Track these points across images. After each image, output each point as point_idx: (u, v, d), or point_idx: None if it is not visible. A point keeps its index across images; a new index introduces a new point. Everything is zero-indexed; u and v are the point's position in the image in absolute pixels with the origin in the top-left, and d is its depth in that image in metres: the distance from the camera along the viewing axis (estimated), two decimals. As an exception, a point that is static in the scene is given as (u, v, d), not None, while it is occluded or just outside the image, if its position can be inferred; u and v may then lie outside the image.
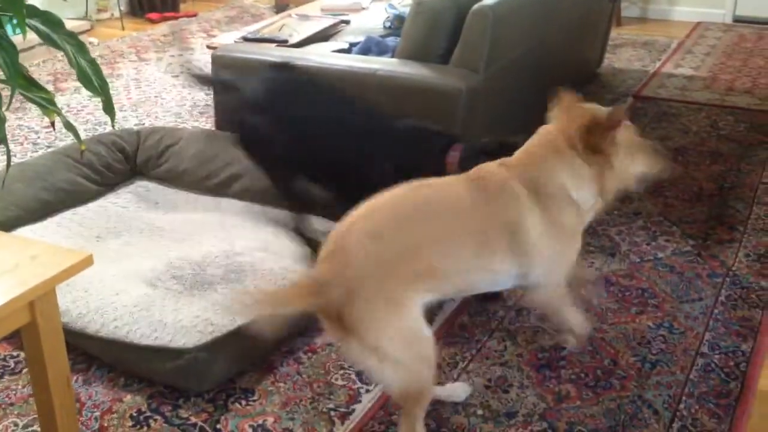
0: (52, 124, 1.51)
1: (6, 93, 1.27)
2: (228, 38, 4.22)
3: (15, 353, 2.39)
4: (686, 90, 4.80)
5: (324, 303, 1.82)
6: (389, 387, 1.91)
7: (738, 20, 6.40)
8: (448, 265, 1.94)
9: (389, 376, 1.86)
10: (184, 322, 2.24)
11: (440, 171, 2.37)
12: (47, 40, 1.26)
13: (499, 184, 2.03)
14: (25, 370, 2.32)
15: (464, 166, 2.29)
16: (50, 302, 1.41)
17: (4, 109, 1.17)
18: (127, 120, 4.27)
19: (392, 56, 3.34)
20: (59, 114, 1.35)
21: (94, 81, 1.32)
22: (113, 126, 1.77)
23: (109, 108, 1.43)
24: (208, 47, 4.26)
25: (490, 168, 2.08)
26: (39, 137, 4.01)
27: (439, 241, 1.93)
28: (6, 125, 1.19)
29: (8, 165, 1.34)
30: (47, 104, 1.33)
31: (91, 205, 2.97)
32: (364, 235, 1.86)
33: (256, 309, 1.84)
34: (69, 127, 1.42)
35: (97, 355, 2.33)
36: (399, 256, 1.86)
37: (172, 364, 2.18)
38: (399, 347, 1.83)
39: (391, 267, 1.84)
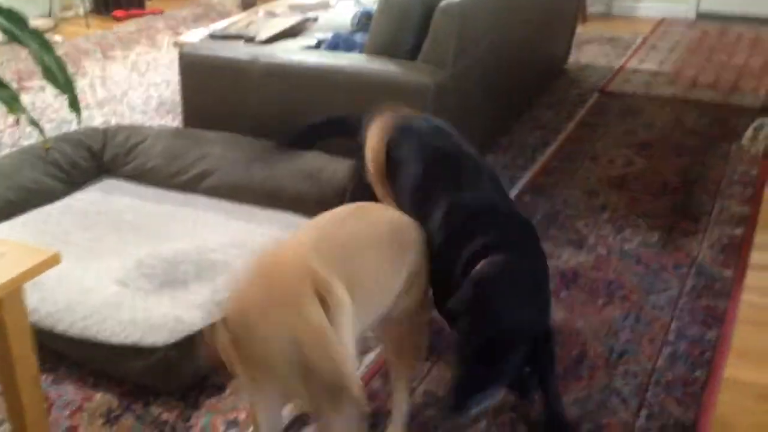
0: (17, 121, 1.50)
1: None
2: (195, 36, 4.20)
3: (-18, 354, 2.36)
4: (651, 85, 4.86)
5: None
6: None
7: (701, 16, 6.49)
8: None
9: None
10: (154, 321, 2.22)
11: None
12: (11, 37, 1.25)
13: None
14: (-8, 371, 2.29)
15: None
16: (17, 301, 1.40)
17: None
18: (93, 118, 4.23)
19: (360, 52, 3.35)
20: (24, 111, 1.34)
21: (59, 78, 1.31)
22: (79, 123, 1.75)
23: (74, 105, 1.42)
24: (175, 45, 4.24)
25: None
26: (3, 137, 3.95)
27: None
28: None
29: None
30: (11, 101, 1.32)
31: (58, 204, 2.94)
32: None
33: None
34: (34, 123, 1.41)
35: (66, 353, 2.31)
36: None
37: (143, 362, 2.17)
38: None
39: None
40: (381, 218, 1.94)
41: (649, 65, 5.26)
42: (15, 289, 1.36)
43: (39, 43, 1.26)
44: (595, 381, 2.28)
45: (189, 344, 2.21)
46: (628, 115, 4.35)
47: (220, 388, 2.24)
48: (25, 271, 1.35)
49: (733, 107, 4.47)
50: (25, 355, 1.44)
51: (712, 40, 5.88)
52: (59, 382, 2.26)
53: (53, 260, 1.41)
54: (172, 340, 2.18)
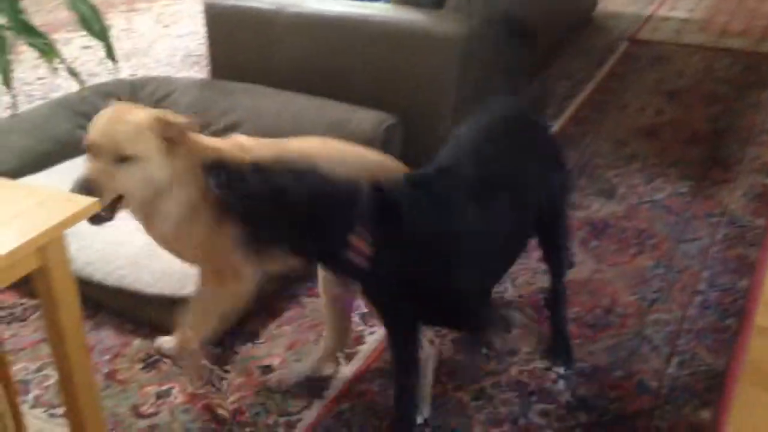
0: (54, 69, 1.51)
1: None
2: (220, -14, 4.16)
3: (22, 301, 2.41)
4: (681, 33, 4.78)
5: None
6: None
7: (732, -38, 6.34)
8: None
9: None
10: (189, 272, 2.25)
11: None
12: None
13: None
14: (32, 317, 2.34)
15: None
16: (60, 247, 1.41)
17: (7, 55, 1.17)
18: (120, 71, 4.23)
19: (387, 2, 3.31)
20: (60, 58, 1.35)
21: (95, 26, 1.31)
22: (117, 71, 1.76)
23: (110, 53, 1.42)
24: (200, -5, 4.21)
25: None
26: (33, 89, 3.98)
27: None
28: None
29: (15, 109, 1.34)
30: (48, 49, 1.32)
31: (90, 156, 2.96)
32: None
33: None
34: (71, 71, 1.42)
35: (104, 303, 2.35)
36: None
37: (176, 311, 2.20)
38: None
39: None
40: None
41: (679, 12, 5.17)
42: (57, 236, 1.38)
43: (75, -11, 1.26)
44: (626, 329, 2.29)
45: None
46: (658, 64, 4.29)
47: (255, 334, 2.28)
48: (66, 218, 1.37)
49: (764, 55, 4.39)
50: (68, 300, 1.46)
51: (743, -14, 5.76)
52: (98, 329, 2.31)
53: (93, 207, 1.42)
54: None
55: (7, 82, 1.17)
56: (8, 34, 1.08)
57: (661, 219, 2.84)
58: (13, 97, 1.27)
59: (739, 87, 3.97)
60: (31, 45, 1.33)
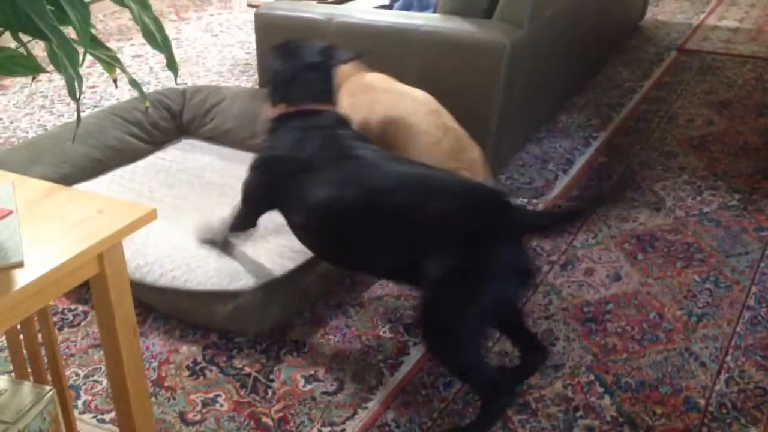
0: (115, 81, 1.55)
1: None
2: (268, -4, 4.22)
3: (72, 307, 2.47)
4: (731, 42, 4.72)
5: None
6: None
7: (785, -30, 6.24)
8: None
9: None
10: (240, 268, 2.32)
11: None
12: (114, -1, 1.28)
13: None
14: (83, 323, 2.40)
15: None
16: (118, 254, 1.45)
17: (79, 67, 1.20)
18: (170, 79, 4.31)
19: (434, 11, 3.33)
20: (124, 71, 1.39)
21: (158, 37, 1.34)
22: (175, 82, 1.80)
23: (171, 64, 1.45)
24: (249, 5, 4.27)
25: None
26: (85, 97, 4.07)
27: None
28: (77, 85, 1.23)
29: (78, 121, 1.37)
30: (112, 61, 1.36)
31: (141, 162, 3.03)
32: None
33: None
34: (134, 83, 1.45)
35: (154, 304, 2.40)
36: None
37: (230, 306, 2.25)
38: None
39: None
40: None
41: (729, 22, 5.10)
42: (116, 243, 1.42)
43: (138, 2, 1.29)
44: (673, 344, 2.27)
45: (273, 288, 2.29)
46: (707, 74, 4.24)
47: (300, 344, 2.31)
48: (126, 226, 1.40)
49: (818, 65, 4.32)
50: (124, 306, 1.50)
51: (796, -5, 5.66)
52: (146, 335, 2.35)
53: (151, 216, 1.46)
54: (258, 284, 2.26)
55: (75, 95, 1.20)
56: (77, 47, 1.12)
57: (710, 232, 2.81)
58: (78, 110, 1.30)
59: (791, 98, 3.91)
60: (96, 57, 1.36)
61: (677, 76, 4.22)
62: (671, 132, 3.58)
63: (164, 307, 2.40)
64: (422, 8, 3.58)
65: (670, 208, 2.97)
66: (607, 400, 2.08)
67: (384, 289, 2.54)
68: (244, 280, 2.28)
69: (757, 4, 5.47)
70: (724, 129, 3.60)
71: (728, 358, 2.22)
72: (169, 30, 5.17)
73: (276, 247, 2.45)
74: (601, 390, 2.12)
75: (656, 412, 2.04)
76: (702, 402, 2.07)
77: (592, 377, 2.16)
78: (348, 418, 2.04)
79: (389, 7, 3.77)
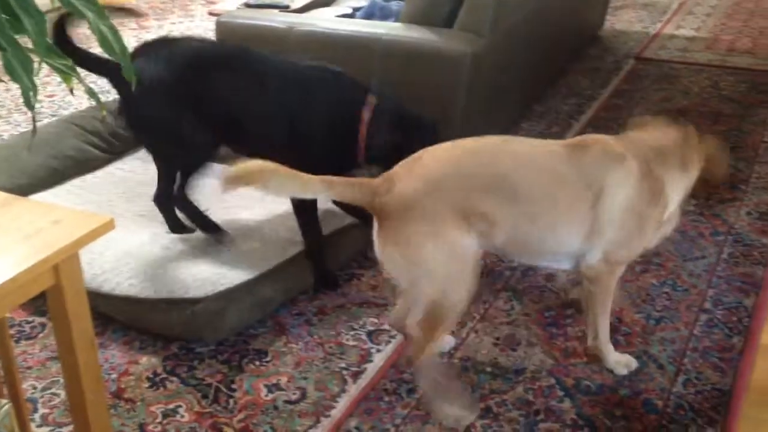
0: (71, 90, 1.53)
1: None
2: (230, 4, 4.21)
3: (30, 319, 2.43)
4: (687, 51, 4.81)
5: (379, 200, 1.90)
6: (420, 298, 1.97)
7: (739, -20, 6.37)
8: (508, 217, 1.95)
9: (422, 288, 1.95)
10: (197, 276, 2.31)
11: (353, 126, 2.44)
12: (68, 6, 1.27)
13: (605, 151, 2.01)
14: (41, 335, 2.36)
15: (374, 129, 2.45)
16: (74, 265, 1.44)
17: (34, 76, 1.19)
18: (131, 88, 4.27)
19: (396, 20, 3.35)
20: (80, 80, 1.38)
21: (115, 46, 1.34)
22: (133, 90, 1.79)
23: (129, 73, 1.45)
24: (211, 14, 4.26)
25: (598, 137, 2.09)
26: (42, 106, 4.02)
27: (509, 190, 1.95)
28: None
29: (34, 131, 1.36)
30: (68, 71, 1.35)
31: (99, 173, 3.00)
32: (446, 160, 1.96)
33: (314, 188, 1.91)
34: (91, 93, 1.44)
35: (111, 314, 2.38)
36: (467, 190, 1.91)
37: (187, 313, 2.25)
38: (439, 259, 1.91)
39: (458, 197, 1.90)
40: None
41: (686, 31, 5.19)
42: (72, 254, 1.41)
43: (95, 11, 1.29)
44: (632, 348, 2.30)
45: (230, 296, 2.29)
46: (665, 82, 4.31)
47: (262, 353, 2.30)
48: (82, 237, 1.39)
49: (771, 73, 4.41)
50: (81, 317, 1.48)
51: (749, 4, 5.78)
52: (105, 346, 2.32)
53: (108, 226, 1.45)
54: (215, 292, 2.26)
55: (30, 104, 1.19)
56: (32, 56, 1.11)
57: (667, 237, 2.85)
58: (33, 119, 1.29)
59: (745, 105, 3.99)
60: (52, 67, 1.35)
61: (635, 85, 4.29)
62: (629, 139, 3.63)
63: (121, 317, 2.38)
64: (384, 17, 3.60)
65: (629, 213, 3.01)
66: (567, 404, 2.10)
67: (347, 297, 2.55)
68: (202, 288, 2.27)
69: (713, 13, 5.58)
70: (681, 136, 3.65)
71: (685, 360, 2.25)
72: (129, 39, 5.12)
73: (235, 256, 2.45)
74: (561, 393, 2.14)
75: (615, 414, 2.07)
76: (660, 404, 2.10)
77: (552, 381, 2.18)
78: (311, 427, 2.04)
79: (351, 16, 3.79)
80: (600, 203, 1.97)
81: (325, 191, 1.93)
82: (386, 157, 2.18)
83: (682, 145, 2.10)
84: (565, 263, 2.13)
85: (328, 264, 2.59)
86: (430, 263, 1.91)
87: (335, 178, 1.92)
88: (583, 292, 2.18)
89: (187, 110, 2.42)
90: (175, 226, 2.60)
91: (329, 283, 2.58)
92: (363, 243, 2.74)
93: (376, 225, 1.96)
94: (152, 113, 2.43)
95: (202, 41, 2.91)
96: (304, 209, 2.51)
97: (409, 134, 2.44)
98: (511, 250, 2.10)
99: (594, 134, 2.13)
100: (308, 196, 1.96)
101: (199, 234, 2.59)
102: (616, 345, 2.30)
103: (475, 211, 1.92)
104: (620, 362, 2.20)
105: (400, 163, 1.98)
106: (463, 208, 1.91)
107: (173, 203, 2.58)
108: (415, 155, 1.98)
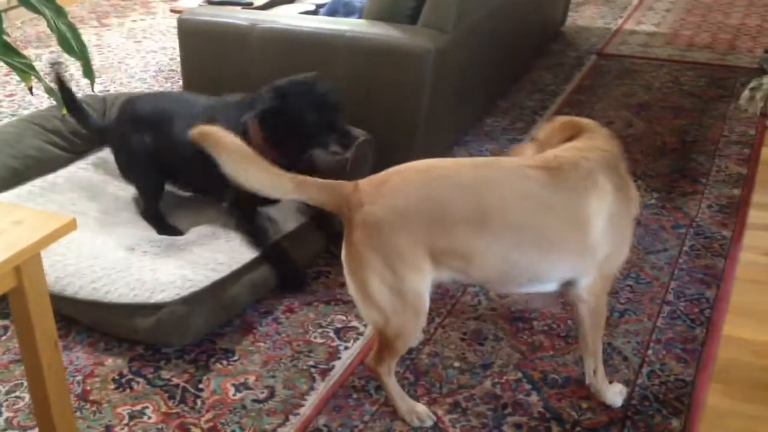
0: (30, 89, 1.51)
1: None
2: (192, 1, 4.18)
3: (-8, 321, 2.39)
4: (648, 46, 4.87)
5: (344, 206, 1.84)
6: (367, 321, 1.95)
7: (697, -24, 6.46)
8: (490, 249, 1.85)
9: (365, 312, 1.91)
10: (162, 280, 2.28)
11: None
12: (26, 4, 1.25)
13: (582, 173, 1.89)
14: (3, 337, 2.33)
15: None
16: (36, 266, 1.42)
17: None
18: (91, 87, 4.21)
19: (359, 17, 3.34)
20: (39, 78, 1.36)
21: (74, 45, 1.32)
22: (92, 89, 1.77)
23: (88, 72, 1.43)
24: (173, 11, 4.22)
25: (567, 156, 1.94)
26: (2, 106, 3.95)
27: (492, 221, 1.84)
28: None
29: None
30: (27, 69, 1.33)
31: (62, 172, 2.95)
32: (418, 186, 1.84)
33: (284, 187, 1.83)
34: (50, 91, 1.42)
35: (76, 317, 2.35)
36: (437, 223, 1.81)
37: (152, 318, 2.22)
38: (386, 297, 1.84)
39: (428, 234, 1.81)
40: None
41: (646, 26, 5.26)
42: (34, 254, 1.39)
43: (53, 9, 1.27)
44: (597, 340, 2.33)
45: (196, 300, 2.26)
46: (626, 77, 4.36)
47: (229, 352, 2.28)
48: (44, 237, 1.38)
49: (729, 67, 4.48)
50: (44, 318, 1.47)
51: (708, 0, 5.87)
52: (70, 349, 2.29)
53: (70, 226, 1.43)
54: (180, 296, 2.24)
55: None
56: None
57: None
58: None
59: (705, 100, 4.05)
60: (10, 65, 1.33)
61: (597, 80, 4.33)
62: (592, 134, 3.67)
63: (85, 320, 2.35)
64: (348, 14, 3.60)
65: (593, 207, 3.04)
66: (534, 397, 2.12)
67: (314, 294, 2.54)
68: (167, 292, 2.24)
69: (673, 8, 5.66)
70: (643, 130, 3.71)
71: (649, 351, 2.28)
72: (90, 36, 5.06)
73: (199, 258, 2.42)
74: (528, 387, 2.16)
75: (582, 406, 2.09)
76: (625, 395, 2.12)
77: (519, 375, 2.20)
78: (279, 425, 2.03)
79: (315, 12, 3.78)
80: (590, 226, 1.88)
81: (294, 192, 1.83)
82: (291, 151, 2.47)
83: (610, 138, 2.08)
84: (551, 286, 2.02)
85: (292, 262, 2.57)
86: (377, 297, 1.85)
87: (307, 178, 1.85)
88: (579, 320, 2.06)
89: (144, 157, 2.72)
90: (167, 231, 2.65)
91: (293, 282, 2.56)
92: (328, 240, 2.75)
93: (345, 230, 1.87)
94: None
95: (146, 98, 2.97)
96: (242, 215, 2.56)
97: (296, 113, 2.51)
98: (494, 281, 2.02)
99: (552, 150, 1.99)
100: (275, 194, 1.87)
101: (164, 237, 2.58)
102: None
103: (448, 250, 1.83)
104: (616, 392, 2.11)
105: (369, 179, 1.89)
106: (432, 247, 1.82)
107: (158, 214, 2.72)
108: (385, 173, 1.88)
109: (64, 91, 2.74)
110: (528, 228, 1.87)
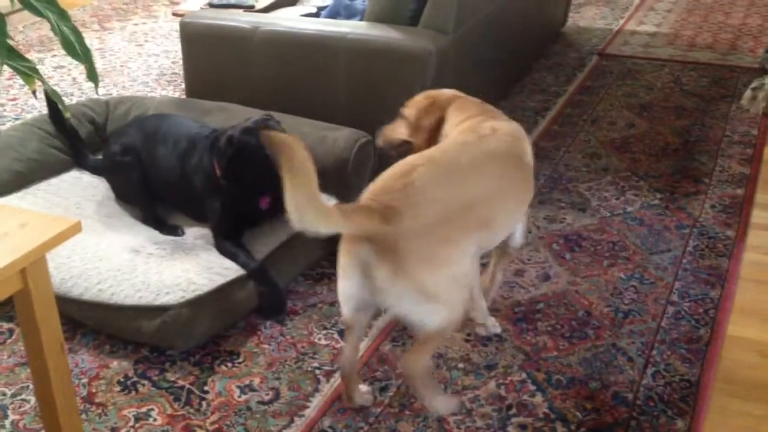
0: (34, 92, 1.51)
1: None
2: (194, 5, 4.18)
3: (-3, 325, 2.40)
4: (649, 46, 4.87)
5: (382, 231, 1.77)
6: (428, 325, 1.87)
7: (698, -23, 6.46)
8: (499, 219, 2.04)
9: (432, 315, 1.86)
10: (167, 282, 2.28)
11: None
12: (28, 7, 1.25)
13: (516, 136, 2.15)
14: (9, 341, 2.33)
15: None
16: (41, 269, 1.42)
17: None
18: (94, 91, 4.22)
19: (361, 19, 3.35)
20: (43, 81, 1.36)
21: (78, 48, 1.32)
22: (96, 92, 1.77)
23: (92, 75, 1.43)
24: (175, 14, 4.22)
25: (498, 125, 2.15)
26: (5, 110, 3.96)
27: (494, 194, 2.00)
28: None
29: (-6, 133, 1.34)
30: (31, 73, 1.33)
31: (65, 176, 2.95)
32: (432, 179, 1.88)
33: (338, 221, 1.74)
34: (54, 94, 1.42)
35: (81, 319, 2.35)
36: (462, 205, 1.90)
37: (157, 321, 2.22)
38: (449, 290, 1.86)
39: (456, 215, 1.87)
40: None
41: (648, 27, 5.26)
42: (39, 257, 1.39)
43: (56, 12, 1.27)
44: (601, 341, 2.33)
45: (200, 303, 2.26)
46: (628, 77, 4.36)
47: (234, 354, 2.29)
48: (49, 239, 1.38)
49: (731, 67, 4.49)
50: (49, 321, 1.47)
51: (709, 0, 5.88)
52: (75, 351, 2.30)
53: (75, 229, 1.43)
54: (185, 299, 2.23)
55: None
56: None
57: (633, 231, 2.89)
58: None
59: (707, 99, 4.05)
60: (14, 69, 1.33)
61: (599, 81, 4.34)
62: (594, 134, 3.68)
63: (90, 322, 2.35)
64: (349, 16, 3.60)
65: (595, 208, 3.05)
66: (539, 398, 2.12)
67: (318, 296, 2.54)
68: (171, 295, 2.24)
69: (674, 8, 5.66)
70: (645, 131, 3.71)
71: (654, 352, 2.28)
72: (92, 40, 5.07)
73: (205, 261, 2.42)
74: (533, 388, 2.16)
75: (586, 407, 2.09)
76: (630, 396, 2.12)
77: (524, 376, 2.20)
78: (284, 427, 2.03)
79: (316, 15, 3.78)
80: (526, 172, 2.15)
81: (343, 224, 1.76)
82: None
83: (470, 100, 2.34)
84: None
85: (275, 286, 2.46)
86: (449, 294, 1.86)
87: (347, 207, 1.81)
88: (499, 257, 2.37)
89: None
90: (168, 231, 2.66)
91: (273, 308, 2.46)
92: (332, 243, 2.75)
93: (375, 257, 1.79)
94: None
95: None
96: (226, 238, 2.53)
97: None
98: (498, 240, 2.18)
99: (491, 123, 2.17)
100: (324, 229, 1.70)
101: (168, 237, 2.59)
102: (586, 339, 2.33)
103: (480, 221, 1.94)
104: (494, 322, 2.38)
105: (384, 191, 1.84)
106: (467, 225, 1.89)
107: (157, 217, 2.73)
108: (403, 178, 1.86)
109: (67, 132, 3.01)
110: (514, 188, 2.11)
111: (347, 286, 1.90)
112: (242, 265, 2.44)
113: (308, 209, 1.63)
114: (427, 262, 1.81)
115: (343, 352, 2.07)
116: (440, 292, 1.84)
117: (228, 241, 2.51)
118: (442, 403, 2.05)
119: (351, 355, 2.04)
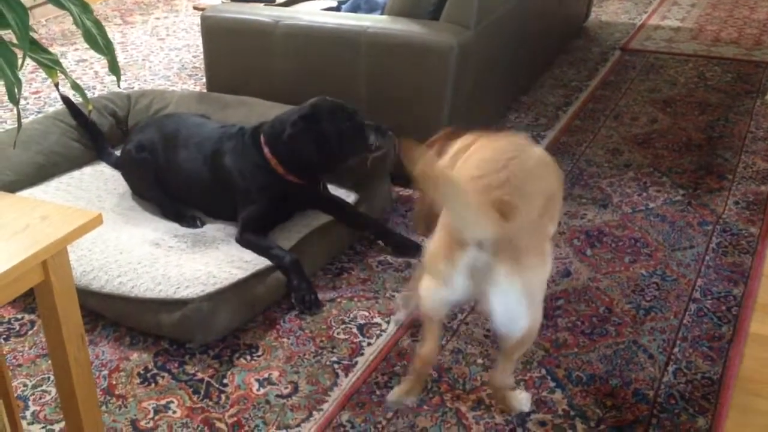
0: (56, 85, 1.52)
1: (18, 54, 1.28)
2: (215, -1, 4.19)
3: (19, 316, 2.41)
4: (673, 42, 4.82)
5: (504, 229, 1.72)
6: (521, 327, 1.83)
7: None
8: (556, 216, 2.04)
9: (525, 318, 1.83)
10: (187, 275, 2.29)
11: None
12: (51, 0, 1.26)
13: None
14: (30, 332, 2.35)
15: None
16: (63, 261, 1.43)
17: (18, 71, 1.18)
18: (116, 84, 4.24)
19: (382, 13, 3.34)
20: (65, 74, 1.36)
21: (100, 41, 1.32)
22: (119, 86, 1.78)
23: (114, 68, 1.43)
24: (195, 8, 4.23)
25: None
26: (28, 103, 3.99)
27: (556, 189, 2.03)
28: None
29: (19, 126, 1.35)
30: (53, 65, 1.34)
31: (87, 169, 2.98)
32: (521, 173, 1.90)
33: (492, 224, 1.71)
34: (76, 87, 1.43)
35: (101, 311, 2.36)
36: (546, 199, 1.93)
37: (177, 314, 2.23)
38: (541, 291, 1.88)
39: (542, 210, 1.89)
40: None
41: (671, 21, 5.21)
42: (60, 249, 1.40)
43: (79, 5, 1.27)
44: (622, 338, 2.31)
45: (220, 297, 2.26)
46: (651, 73, 4.32)
47: (253, 347, 2.29)
48: (71, 232, 1.38)
49: (755, 63, 4.44)
50: (70, 313, 1.47)
51: (734, -5, 5.81)
52: (95, 343, 2.31)
53: (96, 221, 1.44)
54: (205, 293, 2.24)
55: (14, 99, 1.18)
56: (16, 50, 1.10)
57: (656, 227, 2.86)
58: (18, 114, 1.29)
59: (731, 95, 4.00)
60: (36, 61, 1.34)
61: (621, 75, 4.30)
62: (617, 130, 3.65)
63: (110, 315, 2.36)
64: (370, 10, 3.59)
65: (617, 204, 3.02)
66: (558, 395, 2.11)
67: (337, 290, 2.54)
68: (192, 288, 2.25)
69: (698, 3, 5.60)
70: (668, 126, 3.67)
71: (675, 349, 2.26)
72: (114, 34, 5.09)
73: (225, 255, 2.43)
74: (552, 384, 2.14)
75: (606, 404, 2.07)
76: (651, 393, 2.11)
77: (543, 372, 2.19)
78: (303, 421, 2.04)
79: (337, 9, 3.77)
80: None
81: (494, 227, 1.71)
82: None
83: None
84: None
85: (308, 282, 2.48)
86: (539, 294, 1.86)
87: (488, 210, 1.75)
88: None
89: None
90: (188, 223, 2.68)
91: (307, 303, 2.44)
92: (352, 237, 2.75)
93: (492, 256, 1.73)
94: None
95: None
96: (254, 235, 2.55)
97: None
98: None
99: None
100: (477, 233, 1.71)
101: (188, 230, 2.60)
102: (606, 335, 2.31)
103: (552, 217, 1.97)
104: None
105: (490, 187, 1.82)
106: (548, 221, 1.93)
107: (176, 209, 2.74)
108: (500, 173, 1.85)
109: (88, 126, 3.08)
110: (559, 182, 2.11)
111: (448, 293, 1.83)
112: (275, 257, 2.45)
113: (478, 224, 1.69)
114: (540, 257, 1.82)
115: (426, 345, 1.97)
116: (536, 292, 1.84)
117: (258, 235, 2.53)
118: (525, 401, 2.07)
119: (434, 348, 1.98)
